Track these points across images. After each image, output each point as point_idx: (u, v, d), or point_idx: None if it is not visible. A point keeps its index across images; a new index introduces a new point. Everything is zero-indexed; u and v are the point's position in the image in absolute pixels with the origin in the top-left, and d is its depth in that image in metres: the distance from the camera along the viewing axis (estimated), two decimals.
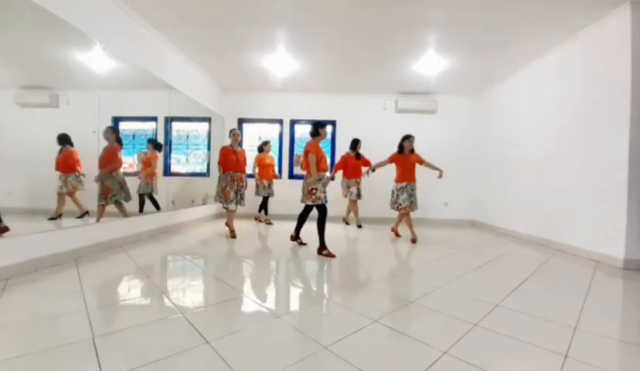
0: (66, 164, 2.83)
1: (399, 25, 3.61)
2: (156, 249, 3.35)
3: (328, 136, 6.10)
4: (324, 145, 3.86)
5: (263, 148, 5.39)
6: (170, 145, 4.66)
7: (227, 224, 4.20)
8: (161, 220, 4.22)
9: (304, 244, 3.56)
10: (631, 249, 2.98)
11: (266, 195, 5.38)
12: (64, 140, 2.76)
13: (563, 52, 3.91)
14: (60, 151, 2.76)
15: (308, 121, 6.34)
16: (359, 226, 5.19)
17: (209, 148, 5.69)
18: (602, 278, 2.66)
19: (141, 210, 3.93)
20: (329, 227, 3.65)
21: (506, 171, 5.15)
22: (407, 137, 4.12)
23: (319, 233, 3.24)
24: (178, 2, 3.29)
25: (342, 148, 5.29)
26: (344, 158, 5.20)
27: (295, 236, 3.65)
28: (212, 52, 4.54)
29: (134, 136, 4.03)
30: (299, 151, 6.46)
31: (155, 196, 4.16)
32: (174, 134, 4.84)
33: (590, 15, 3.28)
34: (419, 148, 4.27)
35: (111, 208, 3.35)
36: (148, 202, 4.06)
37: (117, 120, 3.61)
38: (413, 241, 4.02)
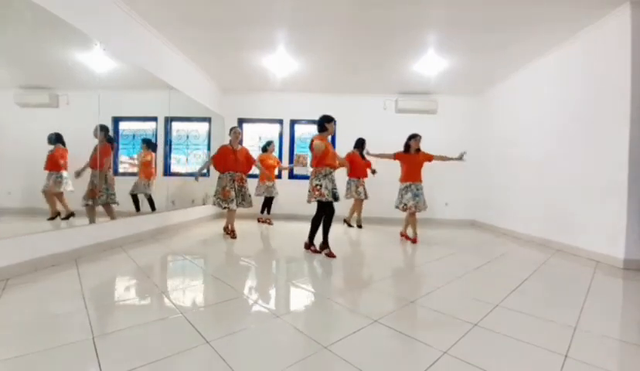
0: (55, 163, 2.77)
1: (399, 25, 3.61)
2: (156, 249, 3.35)
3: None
4: None
5: (267, 148, 5.36)
6: (170, 145, 4.66)
7: (227, 225, 4.08)
8: (162, 220, 4.22)
9: (319, 252, 3.25)
10: (631, 249, 2.98)
11: (269, 195, 5.36)
12: (56, 139, 2.73)
13: (563, 52, 3.91)
14: (52, 151, 2.72)
15: (308, 121, 6.34)
16: (360, 227, 5.19)
17: (209, 148, 5.69)
18: (602, 278, 2.66)
19: (137, 210, 3.89)
20: None
21: (506, 171, 5.15)
22: (414, 137, 4.01)
23: (324, 231, 3.17)
24: (178, 2, 3.29)
25: (342, 148, 5.28)
26: (349, 156, 5.08)
27: (309, 244, 3.35)
28: (212, 52, 4.55)
29: (134, 136, 4.03)
30: (299, 151, 6.46)
31: (152, 196, 4.12)
32: (174, 134, 4.84)
33: (590, 15, 3.28)
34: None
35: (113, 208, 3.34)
36: (146, 203, 4.05)
37: (117, 120, 3.61)
38: (414, 241, 4.00)
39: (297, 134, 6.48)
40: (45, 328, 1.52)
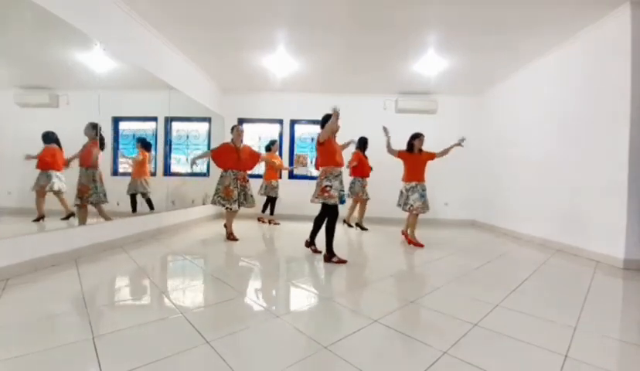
0: (44, 162, 2.70)
1: (399, 25, 3.61)
2: (156, 249, 3.35)
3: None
4: None
5: (270, 147, 5.32)
6: (170, 145, 4.66)
7: (226, 226, 3.98)
8: (162, 220, 4.22)
9: (319, 252, 3.22)
10: (631, 249, 2.98)
11: (273, 195, 5.34)
12: (45, 138, 2.66)
13: (563, 52, 3.91)
14: (40, 151, 2.66)
15: (308, 121, 6.34)
16: (364, 229, 5.14)
17: (209, 148, 5.69)
18: (602, 278, 2.66)
19: (134, 210, 3.85)
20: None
21: (506, 171, 5.15)
22: (417, 136, 3.93)
23: (327, 238, 2.99)
24: (178, 2, 3.29)
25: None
26: (356, 154, 4.97)
27: (310, 242, 3.33)
28: (212, 52, 4.55)
29: (134, 136, 4.03)
30: (299, 151, 6.47)
31: (150, 196, 4.09)
32: (174, 134, 4.84)
33: (590, 15, 3.28)
34: None
35: (112, 208, 3.34)
36: (144, 203, 4.04)
37: (117, 120, 3.61)
38: (421, 246, 3.80)
39: (297, 134, 6.48)
40: (45, 328, 1.52)
